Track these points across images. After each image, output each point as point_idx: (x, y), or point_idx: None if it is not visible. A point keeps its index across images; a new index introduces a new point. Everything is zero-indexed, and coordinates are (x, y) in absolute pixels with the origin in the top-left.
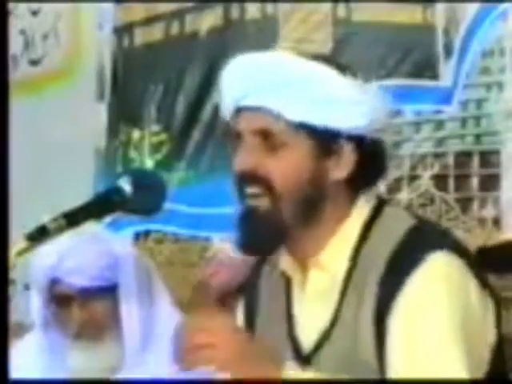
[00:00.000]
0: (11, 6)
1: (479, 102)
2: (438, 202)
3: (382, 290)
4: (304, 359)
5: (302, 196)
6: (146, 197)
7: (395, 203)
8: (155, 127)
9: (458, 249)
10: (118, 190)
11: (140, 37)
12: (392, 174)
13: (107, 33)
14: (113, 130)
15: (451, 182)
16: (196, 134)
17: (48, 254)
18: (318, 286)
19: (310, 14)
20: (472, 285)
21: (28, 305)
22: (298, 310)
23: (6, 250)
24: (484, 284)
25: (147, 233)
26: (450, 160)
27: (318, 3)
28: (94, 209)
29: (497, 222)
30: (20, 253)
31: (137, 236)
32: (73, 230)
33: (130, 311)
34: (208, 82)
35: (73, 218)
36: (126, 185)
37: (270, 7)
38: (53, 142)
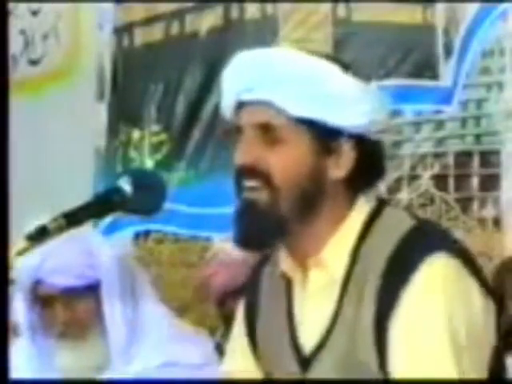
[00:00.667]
0: (11, 5)
1: (479, 102)
2: (438, 202)
3: (382, 291)
4: (305, 360)
5: (300, 191)
6: (146, 197)
7: (395, 203)
8: (155, 127)
9: (459, 250)
10: (118, 190)
11: (140, 37)
12: (392, 174)
13: (107, 33)
14: (113, 130)
15: (451, 182)
16: (196, 134)
17: (28, 256)
18: (318, 286)
19: (310, 14)
20: (473, 286)
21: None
22: (298, 310)
23: (6, 250)
24: (485, 286)
25: (147, 233)
26: (450, 160)
27: (318, 3)
28: (94, 209)
29: (497, 222)
30: (20, 253)
31: (137, 236)
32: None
33: (113, 309)
34: (208, 82)
35: (73, 218)
36: (125, 185)
37: (269, 7)
38: (53, 142)
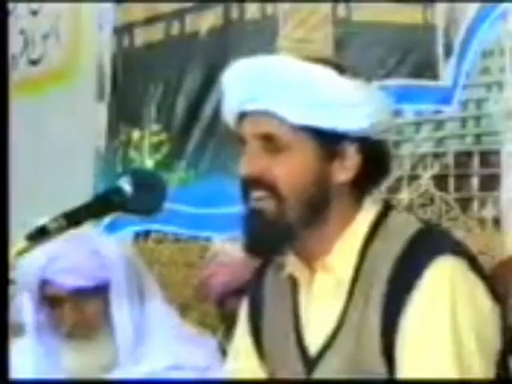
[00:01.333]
0: (11, 5)
1: (479, 102)
2: (438, 202)
3: (389, 294)
4: (311, 361)
5: (307, 198)
6: (146, 197)
7: (396, 205)
8: (155, 127)
9: (465, 253)
10: (118, 190)
11: (140, 37)
12: (392, 173)
13: (107, 33)
14: (113, 130)
15: (451, 182)
16: (196, 134)
17: (37, 255)
18: (324, 288)
19: (310, 14)
20: (480, 288)
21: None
22: (304, 311)
23: (6, 250)
24: (490, 288)
25: (147, 233)
26: (450, 160)
27: (318, 3)
28: (94, 209)
29: (497, 222)
30: (20, 253)
31: (137, 236)
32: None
33: (121, 310)
34: (208, 82)
35: (73, 218)
36: (125, 185)
37: (269, 7)
38: (53, 141)
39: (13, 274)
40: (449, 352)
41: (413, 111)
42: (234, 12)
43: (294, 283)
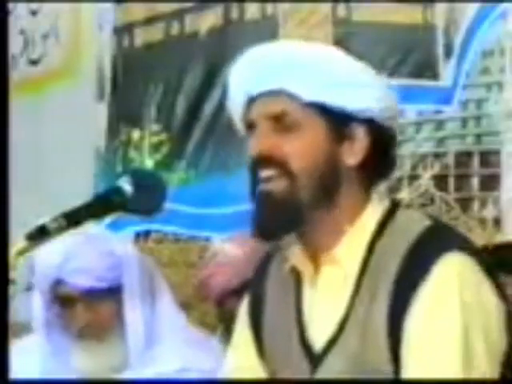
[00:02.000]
0: (11, 5)
1: (479, 102)
2: (438, 202)
3: (397, 290)
4: (315, 358)
5: (318, 177)
6: (146, 197)
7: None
8: (155, 127)
9: (474, 250)
10: (118, 190)
11: (140, 37)
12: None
13: (107, 33)
14: (113, 130)
15: (451, 182)
16: (196, 134)
17: (51, 255)
18: (330, 283)
19: (310, 13)
20: (488, 285)
21: (28, 305)
22: (308, 306)
23: (6, 250)
24: (498, 286)
25: (147, 233)
26: (451, 160)
27: (318, 3)
28: (94, 209)
29: (497, 222)
30: (20, 253)
31: (137, 236)
32: (74, 231)
33: (133, 311)
34: (208, 82)
35: (73, 218)
36: (125, 185)
37: (269, 7)
38: (53, 141)
39: (13, 274)
40: (456, 352)
41: (413, 111)
42: (234, 12)
43: (297, 277)
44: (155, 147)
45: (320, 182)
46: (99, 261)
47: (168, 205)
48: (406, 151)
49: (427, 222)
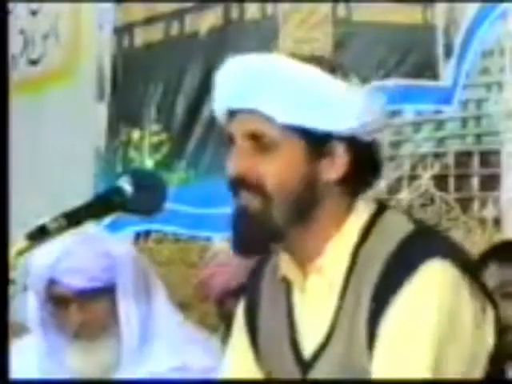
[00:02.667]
0: (11, 5)
1: (479, 102)
2: (438, 202)
3: (377, 294)
4: (305, 365)
5: (294, 197)
6: (146, 197)
7: (395, 204)
8: (155, 127)
9: (456, 256)
10: (118, 190)
11: (140, 37)
12: (392, 174)
13: (107, 33)
14: (113, 130)
15: (451, 182)
16: (196, 134)
17: (45, 255)
18: (317, 291)
19: (310, 13)
20: (466, 294)
21: (26, 305)
22: (298, 314)
23: (6, 250)
24: (483, 291)
25: (147, 233)
26: (450, 160)
27: (318, 3)
28: (94, 209)
29: (497, 222)
30: (20, 253)
31: (137, 236)
32: (74, 231)
33: (128, 311)
34: (208, 82)
35: (73, 218)
36: (125, 185)
37: (269, 7)
38: (53, 141)
39: (13, 274)
40: (426, 356)
41: (413, 111)
42: (234, 12)
43: (288, 285)
44: (155, 147)
45: (296, 202)
46: (93, 261)
47: (168, 205)
48: (405, 151)
49: (411, 227)
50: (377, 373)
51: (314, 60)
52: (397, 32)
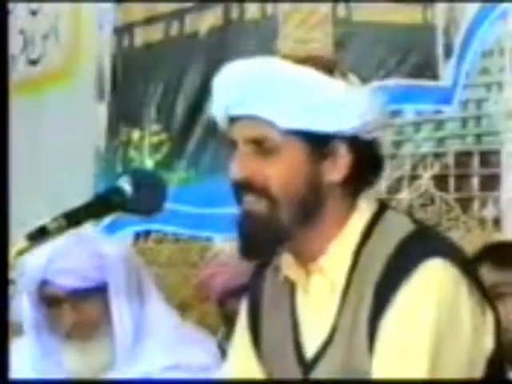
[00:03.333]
0: (11, 5)
1: (479, 102)
2: (438, 202)
3: (377, 296)
4: (307, 365)
5: (298, 199)
6: (146, 197)
7: (395, 204)
8: (155, 127)
9: (456, 256)
10: (118, 190)
11: (140, 37)
12: (392, 174)
13: (107, 33)
14: (113, 130)
15: (451, 182)
16: (196, 134)
17: (37, 256)
18: (319, 292)
19: (310, 14)
20: (465, 294)
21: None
22: (301, 314)
23: (6, 250)
24: (482, 292)
25: (147, 233)
26: (450, 160)
27: (318, 3)
28: (94, 209)
29: (497, 222)
30: (20, 253)
31: (137, 236)
32: (72, 231)
33: (120, 310)
34: (208, 82)
35: (73, 218)
36: (125, 185)
37: (269, 7)
38: (53, 142)
39: (13, 274)
40: (424, 357)
41: (413, 111)
42: (234, 12)
43: (291, 285)
44: (155, 147)
45: (301, 203)
46: (84, 261)
47: (168, 205)
48: (405, 151)
49: (412, 227)
50: (376, 372)
51: (311, 60)
52: (397, 32)
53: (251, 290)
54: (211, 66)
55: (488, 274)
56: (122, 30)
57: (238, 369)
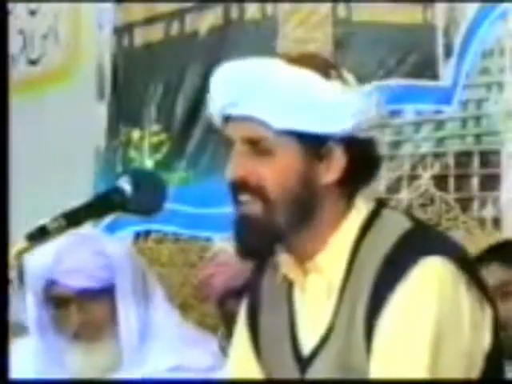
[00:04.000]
0: (10, 5)
1: (479, 102)
2: (438, 202)
3: (374, 294)
4: (304, 362)
5: (293, 200)
6: (146, 197)
7: (395, 204)
8: (155, 127)
9: (454, 253)
10: (118, 190)
11: (140, 37)
12: (392, 174)
13: (107, 33)
14: (113, 130)
15: (451, 182)
16: (196, 134)
17: (43, 256)
18: (316, 290)
19: (310, 13)
20: (464, 290)
21: (24, 305)
22: (299, 313)
23: (6, 250)
24: (481, 289)
25: (147, 233)
26: (450, 160)
27: (318, 3)
28: (94, 209)
29: (497, 222)
30: (20, 253)
31: (137, 236)
32: (72, 231)
33: (126, 310)
34: (208, 82)
35: (73, 218)
36: (125, 185)
37: (269, 7)
38: (53, 142)
39: (13, 274)
40: (424, 355)
41: (413, 111)
42: (234, 12)
43: (289, 284)
44: (155, 147)
45: (296, 204)
46: (91, 261)
47: (168, 205)
48: (405, 151)
49: (409, 225)
50: (375, 369)
51: (305, 59)
52: (397, 32)
53: (250, 289)
54: (211, 66)
55: (497, 273)
56: (122, 30)
57: (237, 367)
